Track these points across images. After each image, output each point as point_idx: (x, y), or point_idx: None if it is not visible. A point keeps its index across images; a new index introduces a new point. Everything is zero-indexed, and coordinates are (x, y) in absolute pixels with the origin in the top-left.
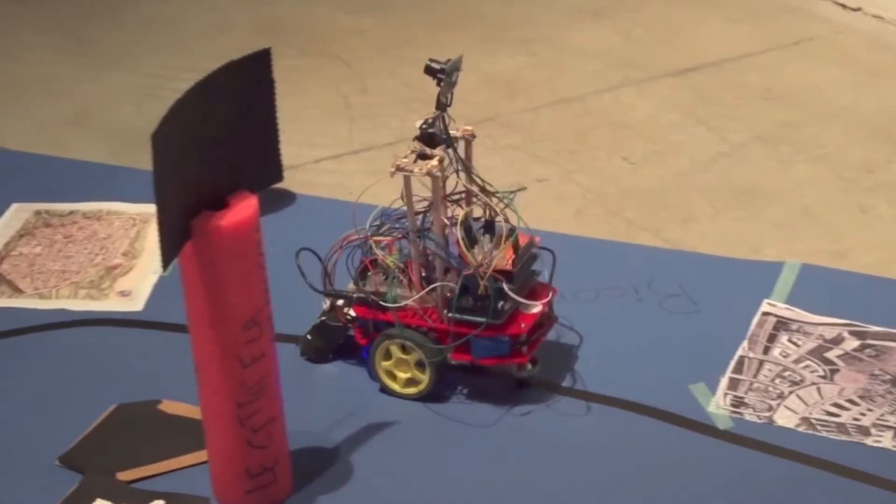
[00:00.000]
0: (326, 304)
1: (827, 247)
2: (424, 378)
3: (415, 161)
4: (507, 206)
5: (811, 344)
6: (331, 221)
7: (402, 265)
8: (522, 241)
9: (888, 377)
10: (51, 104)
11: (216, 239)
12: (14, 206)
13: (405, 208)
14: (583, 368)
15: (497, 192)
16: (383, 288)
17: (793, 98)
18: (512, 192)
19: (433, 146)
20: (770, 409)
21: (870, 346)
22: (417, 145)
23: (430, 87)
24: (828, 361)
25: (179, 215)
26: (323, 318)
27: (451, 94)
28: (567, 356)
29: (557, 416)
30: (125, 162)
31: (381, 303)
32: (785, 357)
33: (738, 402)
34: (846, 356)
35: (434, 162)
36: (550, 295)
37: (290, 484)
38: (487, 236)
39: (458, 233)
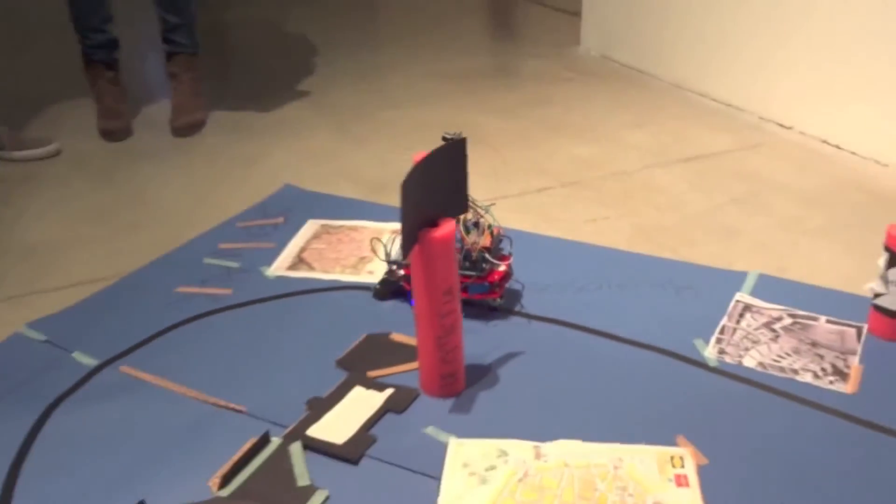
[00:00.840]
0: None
1: (775, 263)
2: None
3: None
4: (486, 212)
5: (764, 320)
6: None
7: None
8: (496, 232)
9: (809, 341)
10: (328, 163)
11: (432, 244)
12: (309, 222)
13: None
14: (613, 323)
15: (481, 206)
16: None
17: (754, 178)
18: (488, 205)
19: None
20: (740, 356)
21: (798, 322)
22: None
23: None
24: (774, 331)
25: (413, 229)
26: (385, 276)
27: None
28: (605, 315)
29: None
30: (370, 199)
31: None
32: (748, 326)
33: (721, 351)
34: (784, 328)
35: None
36: (510, 259)
37: (463, 384)
38: (476, 229)
39: (461, 228)
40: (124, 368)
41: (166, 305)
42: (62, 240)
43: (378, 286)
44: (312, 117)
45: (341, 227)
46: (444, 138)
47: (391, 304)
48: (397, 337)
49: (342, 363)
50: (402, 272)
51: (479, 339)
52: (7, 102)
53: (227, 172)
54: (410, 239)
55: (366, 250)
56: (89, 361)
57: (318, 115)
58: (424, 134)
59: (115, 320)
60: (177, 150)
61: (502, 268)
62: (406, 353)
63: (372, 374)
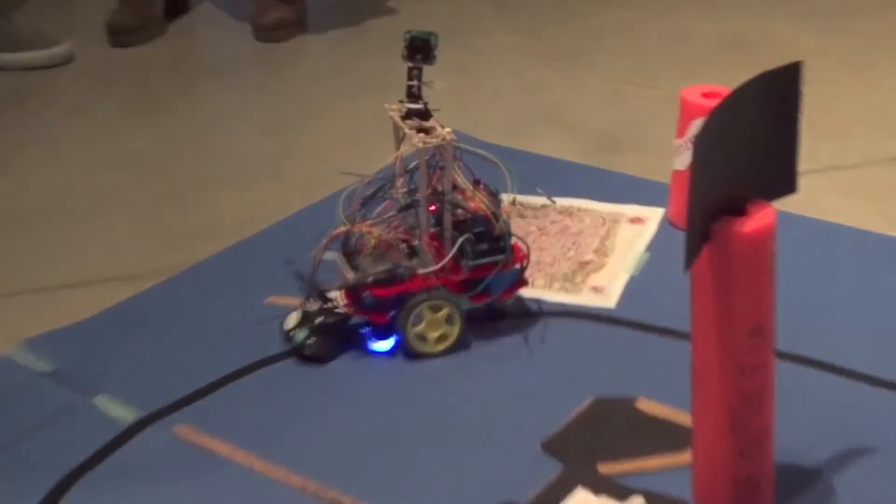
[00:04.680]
0: (308, 304)
1: None
2: (454, 329)
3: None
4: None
5: None
6: (792, 234)
7: (397, 237)
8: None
9: None
10: (523, 102)
11: (734, 244)
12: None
13: (358, 187)
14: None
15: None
16: (381, 265)
17: None
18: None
19: (427, 118)
20: None
21: None
22: (414, 122)
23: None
24: None
25: (703, 217)
26: (320, 318)
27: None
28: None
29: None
30: (594, 161)
31: (419, 272)
32: None
33: None
34: None
35: (448, 130)
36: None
37: (771, 497)
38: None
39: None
40: (180, 429)
41: (246, 328)
42: (77, 207)
43: (310, 341)
44: (481, 11)
45: (545, 206)
46: (411, 41)
47: (638, 347)
48: (648, 406)
49: (553, 447)
50: (344, 301)
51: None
52: None
53: (344, 102)
54: (698, 235)
55: (589, 250)
56: (122, 413)
57: (505, 20)
58: (687, 52)
59: (160, 347)
60: (261, 62)
61: (521, 242)
62: (668, 434)
63: (607, 468)
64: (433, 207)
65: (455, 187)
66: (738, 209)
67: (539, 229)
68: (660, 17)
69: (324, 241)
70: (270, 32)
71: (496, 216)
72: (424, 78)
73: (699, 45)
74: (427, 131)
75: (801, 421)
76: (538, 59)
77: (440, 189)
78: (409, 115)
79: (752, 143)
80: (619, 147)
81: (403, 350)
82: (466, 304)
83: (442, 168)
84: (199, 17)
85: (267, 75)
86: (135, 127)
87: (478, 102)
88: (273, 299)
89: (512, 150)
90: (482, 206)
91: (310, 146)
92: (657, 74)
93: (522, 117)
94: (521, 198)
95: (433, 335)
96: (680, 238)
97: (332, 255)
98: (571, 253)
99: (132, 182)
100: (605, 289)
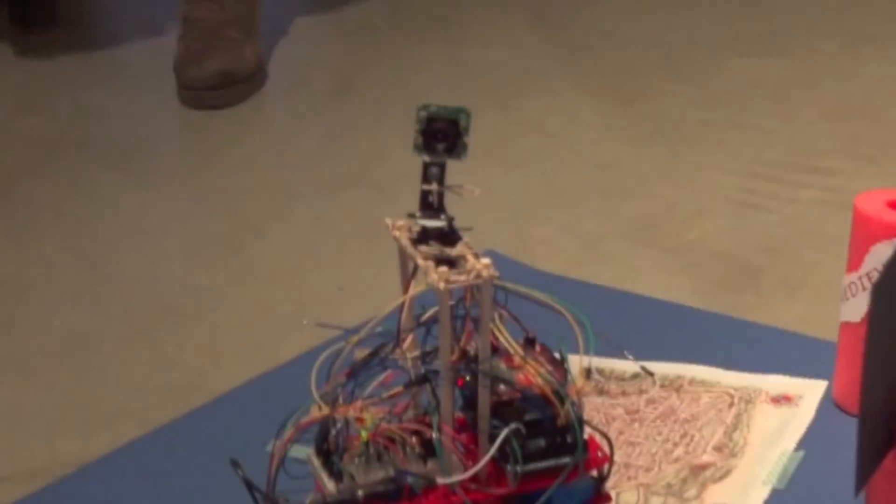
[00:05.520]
0: None
1: None
2: None
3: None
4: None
5: None
6: None
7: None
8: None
9: None
10: (605, 208)
11: None
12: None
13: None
14: None
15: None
16: (378, 471)
17: None
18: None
19: (453, 242)
20: None
21: None
22: (431, 248)
23: None
24: None
25: (886, 409)
26: None
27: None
28: None
29: None
30: (716, 306)
31: (439, 482)
32: None
33: None
34: None
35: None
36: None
37: None
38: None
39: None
40: None
41: None
42: None
43: None
44: (542, 62)
45: (636, 379)
46: (429, 122)
47: None
48: None
49: None
50: None
51: None
52: None
53: (321, 205)
54: (877, 438)
55: (707, 447)
56: None
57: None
58: (869, 130)
59: None
60: (191, 140)
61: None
62: None
63: None
64: (461, 382)
65: (496, 350)
66: None
67: (629, 414)
68: (824, 71)
69: (288, 433)
70: (204, 92)
71: (560, 395)
72: (449, 179)
73: (888, 118)
74: (452, 263)
75: None
76: (629, 138)
77: (471, 353)
78: (424, 236)
79: None
80: (755, 283)
81: None
82: None
83: (476, 320)
84: (92, 63)
85: (198, 162)
86: None
87: (533, 211)
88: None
89: (586, 288)
90: (538, 379)
91: (264, 278)
92: (816, 165)
93: (603, 232)
94: (599, 363)
95: None
96: (851, 430)
97: (301, 453)
98: (679, 451)
99: None
100: None
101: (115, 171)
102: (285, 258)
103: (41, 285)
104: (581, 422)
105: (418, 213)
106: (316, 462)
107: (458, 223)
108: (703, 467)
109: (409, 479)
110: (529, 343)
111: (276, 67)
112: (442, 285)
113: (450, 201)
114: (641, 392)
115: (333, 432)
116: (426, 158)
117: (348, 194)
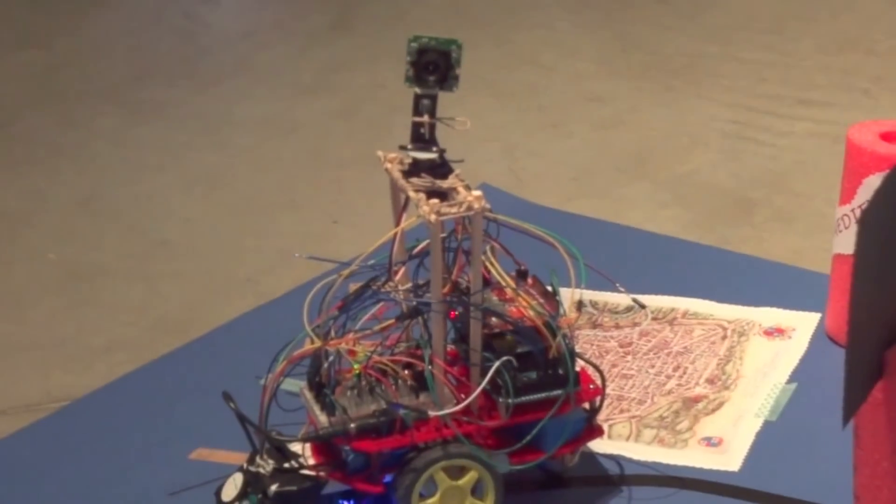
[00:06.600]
0: (258, 463)
1: None
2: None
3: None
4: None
5: None
6: None
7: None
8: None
9: None
10: (599, 141)
11: None
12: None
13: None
14: None
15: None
16: (370, 404)
17: None
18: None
19: (444, 174)
20: None
21: None
22: (423, 180)
23: None
24: None
25: (873, 340)
26: (275, 484)
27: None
28: None
29: None
30: (710, 239)
31: (431, 415)
32: None
33: None
34: None
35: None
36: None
37: None
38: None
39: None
40: None
41: (159, 499)
42: None
43: None
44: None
45: (631, 309)
46: (420, 54)
47: None
48: None
49: None
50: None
51: None
52: None
53: (314, 138)
54: (865, 367)
55: (700, 379)
56: None
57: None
58: (864, 62)
59: None
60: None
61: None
62: None
63: None
64: (453, 314)
65: (488, 283)
66: None
67: (622, 347)
68: (820, 5)
69: (281, 366)
70: None
71: (552, 328)
72: (442, 112)
73: (882, 50)
74: (444, 195)
75: None
76: (623, 72)
77: (463, 285)
78: (415, 169)
79: None
80: (748, 216)
81: None
82: (505, 464)
83: (467, 253)
84: None
85: (194, 97)
86: None
87: (527, 144)
88: (201, 453)
89: (579, 221)
90: (530, 312)
91: (259, 211)
92: (810, 98)
93: (597, 166)
94: (593, 296)
95: None
96: (842, 363)
97: (293, 386)
98: (672, 384)
99: None
100: (725, 442)
101: (111, 104)
102: (280, 191)
103: (36, 219)
104: (573, 354)
105: (410, 146)
106: (308, 395)
107: (450, 156)
108: (696, 400)
109: (401, 412)
110: (521, 276)
111: (274, 2)
112: (433, 217)
113: (443, 134)
114: (634, 325)
115: (325, 365)
116: (417, 90)
117: (344, 127)
